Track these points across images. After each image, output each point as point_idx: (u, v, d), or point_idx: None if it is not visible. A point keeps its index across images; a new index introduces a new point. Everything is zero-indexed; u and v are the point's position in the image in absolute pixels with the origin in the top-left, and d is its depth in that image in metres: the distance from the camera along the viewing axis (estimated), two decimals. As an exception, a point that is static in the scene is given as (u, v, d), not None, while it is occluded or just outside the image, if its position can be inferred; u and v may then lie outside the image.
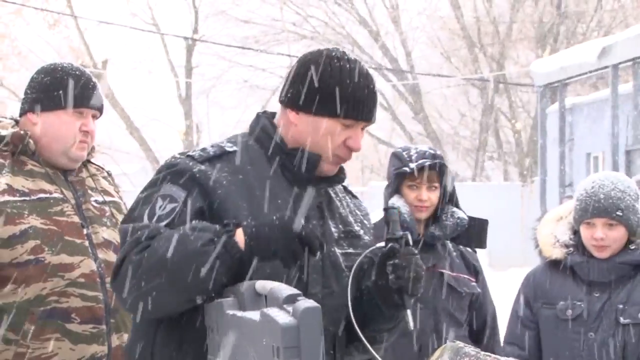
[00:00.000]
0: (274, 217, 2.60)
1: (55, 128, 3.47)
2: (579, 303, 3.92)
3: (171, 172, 2.71)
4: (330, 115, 2.74)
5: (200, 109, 34.64)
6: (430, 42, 33.71)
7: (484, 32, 31.53)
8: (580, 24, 30.94)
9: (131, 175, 35.77)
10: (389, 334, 2.91)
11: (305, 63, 2.79)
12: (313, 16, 32.81)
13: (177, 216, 2.65)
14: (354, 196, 3.01)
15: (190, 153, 2.76)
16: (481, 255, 4.51)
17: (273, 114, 2.88)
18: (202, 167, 2.70)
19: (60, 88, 3.48)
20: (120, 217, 3.58)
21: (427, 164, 4.19)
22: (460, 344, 2.60)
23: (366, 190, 29.35)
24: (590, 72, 17.32)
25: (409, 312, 2.76)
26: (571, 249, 3.98)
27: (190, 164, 2.71)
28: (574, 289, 3.94)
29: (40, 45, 32.18)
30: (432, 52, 33.81)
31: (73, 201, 3.47)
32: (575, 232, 4.03)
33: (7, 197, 3.36)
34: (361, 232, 2.92)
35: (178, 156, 2.76)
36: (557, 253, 3.99)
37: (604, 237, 3.89)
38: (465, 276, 4.33)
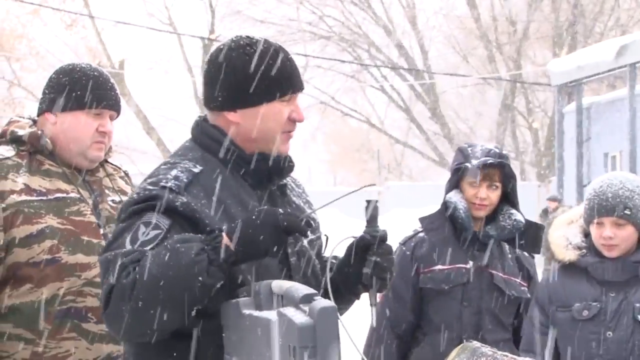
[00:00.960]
0: (253, 214, 2.61)
1: (72, 128, 3.48)
2: (594, 304, 3.92)
3: (151, 205, 2.65)
4: (269, 99, 2.78)
5: (216, 109, 34.68)
6: (446, 41, 33.68)
7: (501, 31, 31.47)
8: (597, 23, 30.85)
9: (148, 175, 35.88)
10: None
11: (216, 63, 2.80)
12: (329, 16, 32.82)
13: (161, 242, 2.60)
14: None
15: (163, 183, 2.69)
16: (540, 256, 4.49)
17: (206, 120, 2.88)
18: (184, 199, 2.67)
19: (78, 89, 3.48)
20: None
21: (490, 162, 4.16)
22: (477, 344, 2.59)
23: (382, 190, 29.34)
24: (608, 71, 17.28)
25: (373, 309, 2.76)
26: (584, 250, 3.98)
27: (171, 196, 2.66)
28: (589, 290, 3.94)
29: (57, 45, 32.33)
30: (449, 51, 33.78)
31: (90, 201, 3.48)
32: (587, 235, 4.03)
33: (24, 197, 3.37)
34: (314, 215, 2.93)
35: (151, 187, 2.69)
36: (570, 255, 3.99)
37: (612, 236, 3.90)
38: (517, 280, 4.29)
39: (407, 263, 4.29)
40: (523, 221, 4.25)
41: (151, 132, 32.90)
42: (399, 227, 7.95)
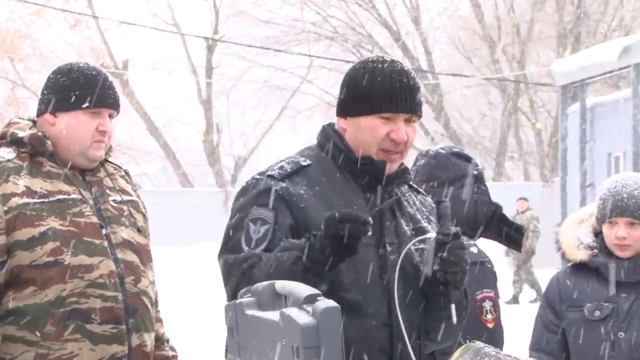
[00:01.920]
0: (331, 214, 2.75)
1: (72, 129, 3.47)
2: (606, 304, 3.92)
3: (255, 194, 2.92)
4: (366, 112, 2.96)
5: (220, 109, 34.71)
6: (450, 42, 33.67)
7: (505, 31, 31.46)
8: (601, 24, 30.83)
9: (152, 176, 35.89)
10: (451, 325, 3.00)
11: (348, 73, 3.06)
12: (333, 16, 32.82)
13: (273, 236, 2.86)
14: (418, 192, 3.18)
15: (269, 172, 2.95)
16: (503, 257, 4.50)
17: (333, 125, 3.09)
18: (283, 184, 2.92)
19: (76, 88, 3.48)
20: (138, 217, 3.58)
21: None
22: (481, 344, 2.59)
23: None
24: (611, 71, 17.26)
25: (453, 305, 2.89)
26: (595, 250, 3.98)
27: (272, 183, 2.92)
28: (600, 290, 3.94)
29: (61, 45, 32.34)
30: (453, 52, 33.77)
31: (91, 201, 3.47)
32: (597, 235, 4.03)
33: (25, 199, 3.36)
34: (429, 227, 3.07)
35: (258, 177, 2.96)
36: (582, 255, 3.99)
37: (626, 236, 3.90)
38: None
39: None
40: None
41: (155, 133, 32.90)
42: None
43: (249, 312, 2.49)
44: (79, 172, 3.50)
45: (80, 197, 3.45)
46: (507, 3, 31.29)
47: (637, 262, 3.92)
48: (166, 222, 21.67)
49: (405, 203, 3.06)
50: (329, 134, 3.05)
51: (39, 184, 3.41)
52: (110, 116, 3.54)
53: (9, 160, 3.41)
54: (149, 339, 3.51)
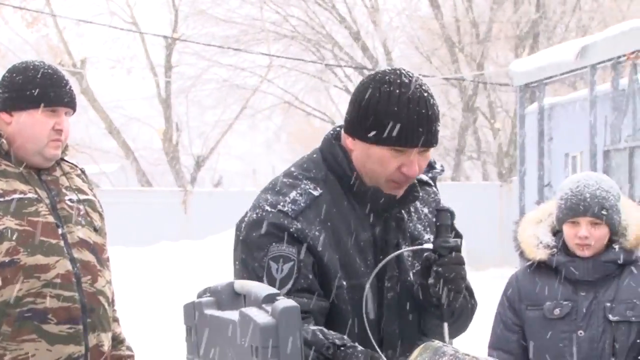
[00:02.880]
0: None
1: (28, 127, 3.45)
2: (565, 302, 3.95)
3: (269, 231, 2.72)
4: (378, 143, 2.73)
5: (179, 108, 34.56)
6: (410, 42, 33.77)
7: (464, 32, 31.60)
8: (559, 24, 31.07)
9: (110, 175, 35.67)
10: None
11: (359, 88, 2.80)
12: (293, 15, 32.79)
13: (298, 274, 2.70)
14: (423, 184, 2.99)
15: (280, 207, 2.75)
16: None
17: (339, 135, 2.87)
18: (298, 225, 2.73)
19: (32, 87, 3.45)
20: (94, 216, 3.56)
21: None
22: (439, 343, 2.59)
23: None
24: (569, 72, 17.39)
25: (445, 324, 2.74)
26: (554, 249, 4.00)
27: (286, 222, 2.73)
28: (560, 289, 3.97)
29: (18, 44, 32.05)
30: (412, 52, 33.87)
31: (47, 201, 3.45)
32: (556, 234, 4.05)
33: (-19, 199, 3.34)
34: (430, 237, 2.89)
35: (269, 209, 2.75)
36: (542, 254, 4.01)
37: (588, 236, 3.92)
38: None
39: None
40: None
41: (113, 132, 32.71)
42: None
43: (208, 311, 2.48)
44: (35, 171, 3.48)
45: (36, 196, 3.42)
46: (465, 3, 31.43)
47: (596, 261, 3.95)
48: (125, 222, 21.54)
49: (407, 218, 2.88)
50: (336, 153, 2.82)
51: (-5, 183, 3.38)
52: (67, 115, 3.52)
53: (-36, 161, 3.39)
54: (106, 339, 3.49)
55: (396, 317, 2.81)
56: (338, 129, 2.89)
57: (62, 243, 3.41)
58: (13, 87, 3.47)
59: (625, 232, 4.00)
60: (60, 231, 3.43)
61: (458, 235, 2.85)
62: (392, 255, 2.79)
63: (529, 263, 4.07)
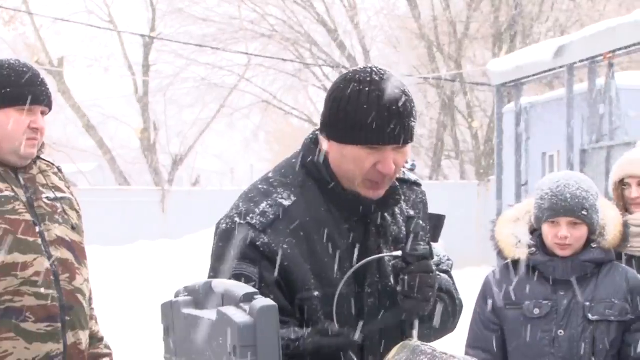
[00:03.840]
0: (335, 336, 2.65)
1: (4, 126, 3.43)
2: (545, 302, 3.95)
3: (235, 245, 2.69)
4: (351, 142, 2.70)
5: (157, 107, 34.47)
6: (388, 41, 33.80)
7: (442, 31, 31.66)
8: (536, 24, 31.17)
9: (88, 174, 35.53)
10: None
11: (332, 88, 2.77)
12: (271, 14, 32.76)
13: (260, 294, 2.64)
14: (412, 184, 2.97)
15: (249, 219, 2.71)
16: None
17: (318, 139, 2.84)
18: (265, 238, 2.69)
19: (7, 85, 3.44)
20: (72, 214, 3.55)
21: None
22: (418, 342, 2.60)
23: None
24: (546, 71, 17.45)
25: (415, 332, 2.72)
26: (533, 249, 4.01)
27: (253, 235, 2.69)
28: (539, 288, 3.98)
29: (-5, 42, 31.87)
30: (391, 51, 33.91)
31: (24, 199, 3.44)
32: (533, 232, 4.06)
33: (-42, 197, 3.33)
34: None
35: (238, 220, 2.72)
36: (520, 253, 4.02)
37: (568, 236, 3.93)
38: None
39: None
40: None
41: (91, 130, 32.58)
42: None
43: (186, 311, 2.48)
44: (12, 169, 3.47)
45: (13, 194, 3.41)
46: (443, 3, 31.49)
47: (575, 260, 3.97)
48: (102, 221, 21.48)
49: (390, 220, 2.84)
50: (315, 158, 2.78)
51: (-29, 182, 3.36)
52: (43, 113, 3.51)
53: (-61, 159, 3.37)
54: (84, 337, 3.49)
55: (376, 328, 2.78)
56: (317, 132, 2.85)
57: (39, 241, 3.40)
58: (-13, 85, 3.46)
59: (603, 231, 4.02)
60: (37, 229, 3.42)
61: (435, 240, 2.84)
62: (358, 265, 2.75)
63: (507, 262, 4.08)
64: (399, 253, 2.73)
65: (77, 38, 32.66)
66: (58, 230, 3.47)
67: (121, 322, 12.05)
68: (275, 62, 31.58)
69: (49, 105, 3.52)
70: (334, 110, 2.72)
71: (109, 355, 3.73)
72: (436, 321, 2.81)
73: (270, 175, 2.84)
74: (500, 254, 4.10)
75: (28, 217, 3.41)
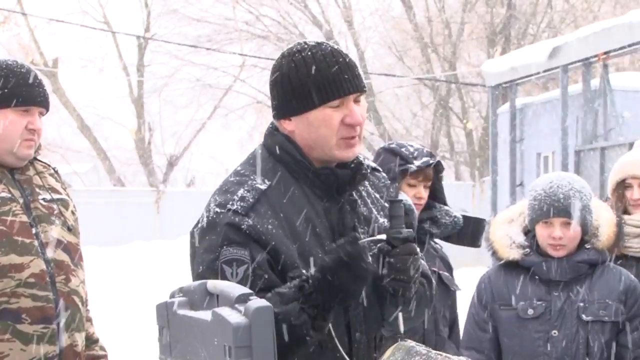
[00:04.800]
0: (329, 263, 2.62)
1: (1, 127, 3.43)
2: (539, 302, 3.96)
3: (221, 232, 2.69)
4: (313, 106, 2.75)
5: (152, 108, 34.46)
6: (382, 42, 33.81)
7: (436, 32, 31.67)
8: (530, 25, 31.19)
9: (82, 174, 35.50)
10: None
11: (272, 71, 2.83)
12: (266, 15, 32.76)
13: (254, 275, 2.67)
14: (373, 170, 3.01)
15: (230, 205, 2.72)
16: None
17: (277, 128, 2.86)
18: (250, 221, 2.70)
19: (5, 86, 3.44)
20: (68, 215, 3.55)
21: (431, 162, 4.21)
22: (412, 342, 2.61)
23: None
24: (541, 72, 17.46)
25: (400, 314, 2.75)
26: (527, 249, 4.02)
27: (237, 219, 2.70)
28: (533, 288, 3.99)
29: (-11, 43, 31.83)
30: (385, 52, 33.92)
31: (21, 200, 3.44)
32: (527, 233, 4.07)
33: (-46, 198, 3.32)
34: (384, 221, 2.91)
35: (219, 210, 2.73)
36: (514, 254, 4.03)
37: (562, 237, 3.94)
38: (447, 273, 4.37)
39: None
40: (461, 218, 4.32)
41: (85, 131, 32.55)
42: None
43: (181, 311, 2.48)
44: (8, 170, 3.47)
45: (9, 195, 3.41)
46: (438, 4, 31.51)
47: (569, 261, 3.98)
48: (97, 221, 21.47)
49: (360, 202, 2.89)
50: (280, 141, 2.81)
51: (-33, 183, 3.36)
52: (40, 114, 3.51)
53: None
54: (80, 339, 3.49)
55: (358, 301, 2.79)
56: (273, 122, 2.89)
57: (36, 242, 3.40)
58: (-16, 86, 3.46)
59: (597, 232, 4.02)
60: (34, 230, 3.42)
61: (411, 227, 2.85)
62: (369, 239, 2.77)
63: (501, 263, 4.09)
64: (383, 236, 2.76)
65: (71, 39, 32.65)
66: (54, 232, 3.47)
67: (116, 323, 12.04)
68: (270, 63, 31.54)
69: (46, 106, 3.52)
70: (286, 86, 2.77)
71: (105, 356, 3.73)
72: (412, 306, 2.83)
73: (239, 168, 2.87)
74: (494, 254, 4.12)
75: (24, 218, 3.41)
